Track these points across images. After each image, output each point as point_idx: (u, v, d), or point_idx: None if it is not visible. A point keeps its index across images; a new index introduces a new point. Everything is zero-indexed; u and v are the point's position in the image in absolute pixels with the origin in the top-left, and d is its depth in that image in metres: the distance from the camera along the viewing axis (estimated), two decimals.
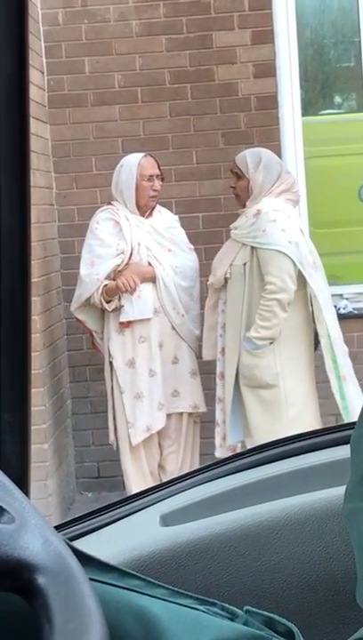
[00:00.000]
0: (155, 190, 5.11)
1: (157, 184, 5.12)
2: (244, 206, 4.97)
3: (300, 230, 4.91)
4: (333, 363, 4.90)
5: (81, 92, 5.97)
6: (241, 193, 4.97)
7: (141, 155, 5.19)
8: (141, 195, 5.09)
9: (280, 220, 4.81)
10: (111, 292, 5.01)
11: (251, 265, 4.82)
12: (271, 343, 4.78)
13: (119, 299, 5.01)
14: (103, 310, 5.10)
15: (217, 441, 5.04)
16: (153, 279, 5.05)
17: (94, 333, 5.23)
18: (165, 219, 5.25)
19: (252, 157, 4.94)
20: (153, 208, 5.19)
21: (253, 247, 4.82)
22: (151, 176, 5.11)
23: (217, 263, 5.01)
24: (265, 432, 4.67)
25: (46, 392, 5.30)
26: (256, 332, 4.76)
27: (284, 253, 4.75)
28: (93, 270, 5.03)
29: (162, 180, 5.17)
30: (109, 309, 5.02)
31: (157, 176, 5.13)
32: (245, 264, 4.83)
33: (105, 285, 5.00)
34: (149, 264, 5.07)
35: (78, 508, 5.67)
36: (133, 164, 5.12)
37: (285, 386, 4.83)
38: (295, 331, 4.86)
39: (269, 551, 1.49)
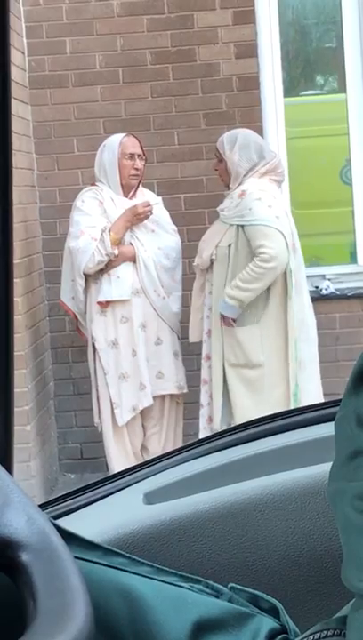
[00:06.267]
0: (136, 169, 5.10)
1: (139, 163, 5.11)
2: (228, 188, 4.95)
3: (284, 212, 4.88)
4: (293, 345, 4.86)
5: (62, 73, 5.94)
6: (222, 175, 4.96)
7: (124, 134, 5.19)
8: (122, 174, 5.08)
9: (265, 199, 4.79)
10: (119, 229, 4.98)
11: (236, 246, 4.79)
12: (241, 307, 4.75)
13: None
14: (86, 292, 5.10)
15: (201, 423, 5.00)
16: (133, 259, 5.04)
17: (79, 316, 5.20)
18: (148, 200, 5.23)
19: (228, 138, 4.93)
20: (136, 189, 5.17)
21: (239, 227, 4.78)
22: (133, 154, 5.10)
23: (203, 244, 4.97)
24: (250, 413, 4.64)
25: (29, 374, 5.29)
26: (230, 289, 4.74)
27: (273, 227, 4.73)
28: (85, 237, 5.00)
29: (145, 160, 5.17)
30: (116, 253, 4.96)
31: (139, 155, 5.12)
32: (229, 245, 4.81)
33: (109, 231, 4.97)
34: (131, 245, 5.06)
35: (62, 489, 5.67)
36: (115, 143, 5.11)
37: (270, 366, 4.82)
38: (279, 311, 4.84)
39: (252, 528, 1.50)
